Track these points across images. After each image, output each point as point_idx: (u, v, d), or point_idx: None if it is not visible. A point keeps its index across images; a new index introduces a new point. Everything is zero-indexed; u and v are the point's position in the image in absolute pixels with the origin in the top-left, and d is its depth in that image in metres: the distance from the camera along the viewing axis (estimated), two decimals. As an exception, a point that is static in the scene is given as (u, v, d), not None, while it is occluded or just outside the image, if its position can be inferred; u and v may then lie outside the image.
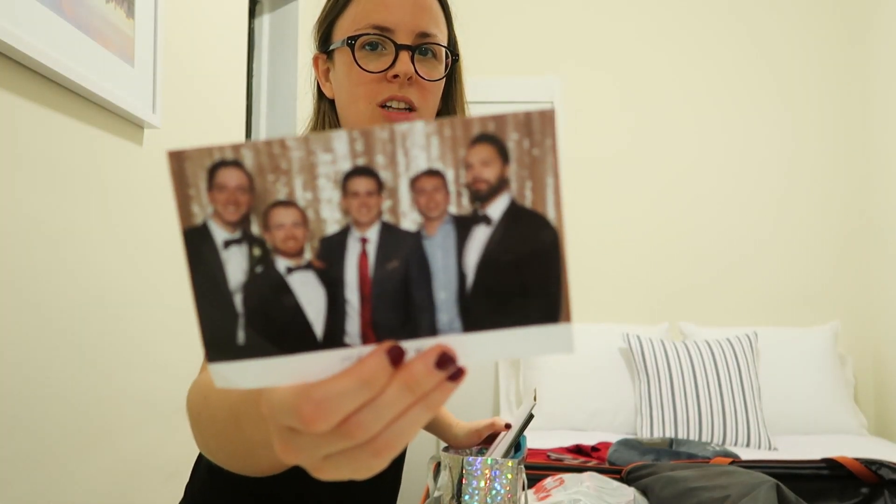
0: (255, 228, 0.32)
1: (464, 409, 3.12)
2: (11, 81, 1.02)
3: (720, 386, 2.57)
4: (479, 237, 0.32)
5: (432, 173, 0.32)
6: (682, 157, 3.18)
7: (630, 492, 1.20)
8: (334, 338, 0.32)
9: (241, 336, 0.32)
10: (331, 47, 0.87)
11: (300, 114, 2.64)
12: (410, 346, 0.33)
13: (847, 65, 3.15)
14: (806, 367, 2.75)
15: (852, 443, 2.46)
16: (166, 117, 1.52)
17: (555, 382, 2.74)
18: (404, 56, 0.81)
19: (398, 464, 1.05)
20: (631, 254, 3.16)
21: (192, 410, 0.61)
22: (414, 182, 0.32)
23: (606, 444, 2.08)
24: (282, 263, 0.32)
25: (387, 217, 0.32)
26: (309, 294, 0.32)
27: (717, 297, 3.12)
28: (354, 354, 0.33)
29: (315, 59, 0.91)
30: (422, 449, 2.98)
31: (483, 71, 3.25)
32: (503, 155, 0.32)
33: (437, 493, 1.00)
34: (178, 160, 0.31)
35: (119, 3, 1.29)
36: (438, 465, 1.04)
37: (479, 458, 0.97)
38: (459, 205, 0.32)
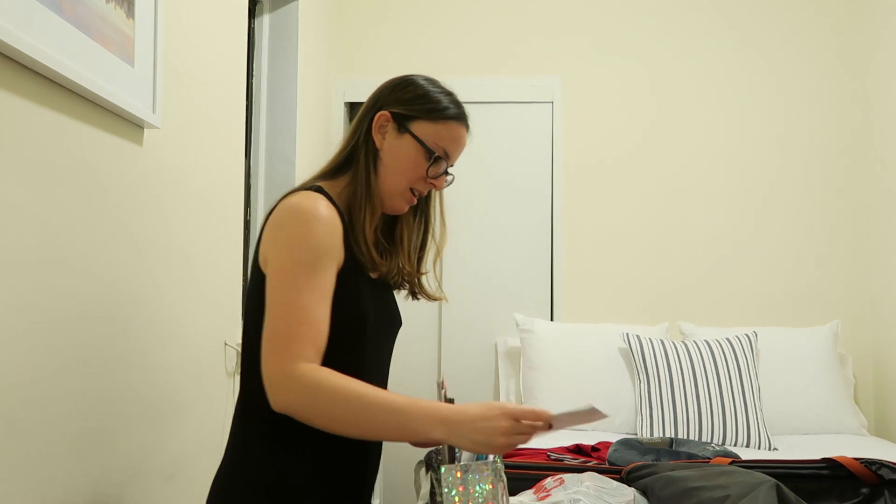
0: None
1: (464, 409, 3.11)
2: (11, 81, 1.02)
3: (720, 386, 2.57)
4: None
5: None
6: (682, 158, 3.18)
7: (630, 492, 1.20)
8: None
9: None
10: (412, 131, 1.18)
11: (300, 114, 2.64)
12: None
13: (849, 67, 3.15)
14: (806, 367, 2.75)
15: (852, 443, 2.46)
16: (166, 117, 1.53)
17: (555, 383, 2.74)
18: (445, 177, 1.23)
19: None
20: (631, 254, 3.16)
21: (338, 394, 0.99)
22: None
23: (606, 444, 2.07)
24: None
25: None
26: None
27: (717, 297, 3.12)
28: None
29: (381, 113, 1.19)
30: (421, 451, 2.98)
31: (483, 71, 3.25)
32: None
33: (420, 503, 1.01)
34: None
35: (119, 3, 1.29)
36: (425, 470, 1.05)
37: (452, 466, 0.95)
38: None
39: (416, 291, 1.28)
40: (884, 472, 1.29)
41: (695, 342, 2.71)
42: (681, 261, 3.14)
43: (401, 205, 1.20)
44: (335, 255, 1.08)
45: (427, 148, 1.17)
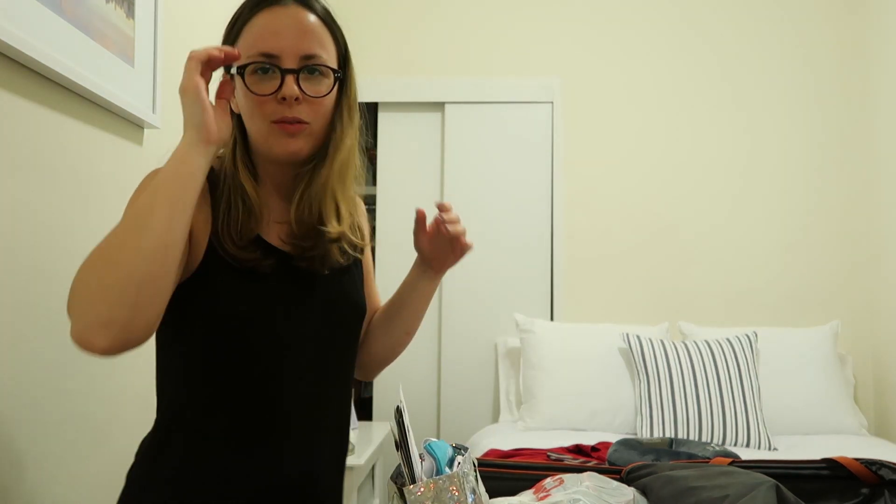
0: None
1: (464, 408, 3.12)
2: (11, 81, 1.02)
3: (720, 386, 2.57)
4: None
5: None
6: (682, 158, 3.18)
7: (630, 491, 1.20)
8: None
9: None
10: (231, 71, 0.95)
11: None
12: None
13: (848, 67, 3.14)
14: (806, 367, 2.75)
15: (852, 443, 2.46)
16: (166, 117, 1.53)
17: (555, 382, 2.74)
18: (289, 80, 0.92)
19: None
20: (631, 254, 3.16)
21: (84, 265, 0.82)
22: None
23: (606, 444, 2.07)
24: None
25: None
26: None
27: (717, 297, 3.12)
28: None
29: (222, 81, 0.95)
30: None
31: (483, 71, 3.25)
32: None
33: None
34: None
35: (119, 3, 1.29)
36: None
37: (419, 485, 0.94)
38: None
39: (345, 242, 1.01)
40: (884, 472, 1.29)
41: (695, 342, 2.71)
42: (681, 261, 3.14)
43: (283, 142, 0.94)
44: None
45: (240, 70, 0.93)
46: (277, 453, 0.96)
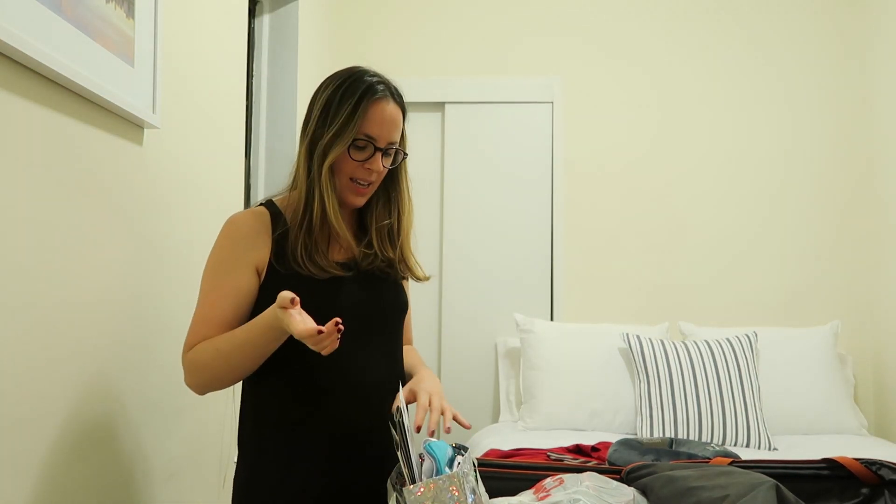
0: None
1: (464, 409, 3.11)
2: (11, 81, 1.02)
3: (720, 386, 2.57)
4: None
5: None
6: (682, 158, 3.18)
7: (630, 491, 1.20)
8: None
9: None
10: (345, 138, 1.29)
11: (300, 114, 2.63)
12: None
13: (848, 64, 3.14)
14: (806, 367, 2.75)
15: (852, 443, 2.46)
16: (166, 117, 1.52)
17: (555, 383, 2.74)
18: (378, 156, 1.30)
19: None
20: (631, 254, 3.16)
21: (203, 361, 1.22)
22: None
23: (606, 444, 2.07)
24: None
25: None
26: None
27: (717, 297, 3.12)
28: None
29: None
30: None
31: (483, 71, 3.25)
32: None
33: None
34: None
35: (119, 3, 1.29)
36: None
37: (419, 485, 0.94)
38: None
39: (404, 274, 1.38)
40: (884, 472, 1.29)
41: (695, 342, 2.71)
42: (680, 261, 3.14)
43: (352, 198, 1.31)
44: (245, 259, 1.26)
45: (347, 144, 1.29)
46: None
